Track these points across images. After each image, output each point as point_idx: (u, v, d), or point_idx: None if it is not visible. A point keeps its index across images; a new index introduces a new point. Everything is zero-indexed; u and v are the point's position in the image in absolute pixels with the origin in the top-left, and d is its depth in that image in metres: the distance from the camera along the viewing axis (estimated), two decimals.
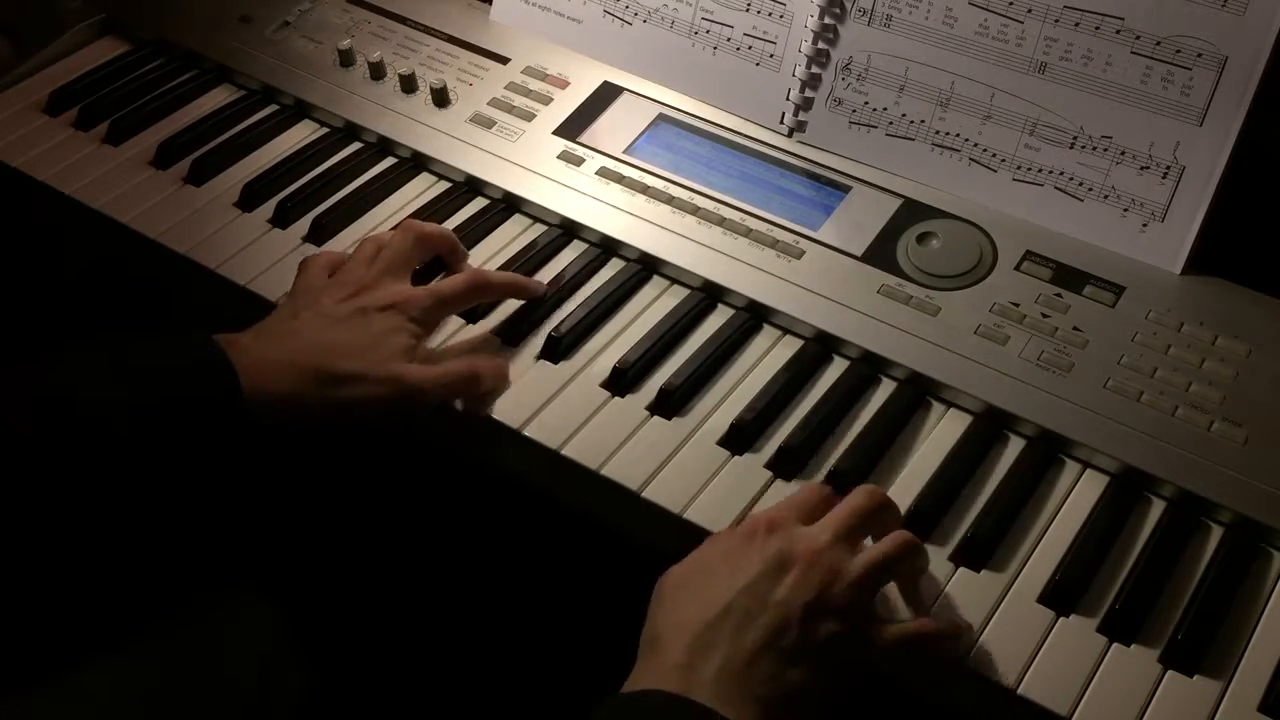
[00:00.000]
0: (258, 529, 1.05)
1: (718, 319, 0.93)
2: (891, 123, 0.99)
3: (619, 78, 1.09)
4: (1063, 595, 0.75)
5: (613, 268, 0.97)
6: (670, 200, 0.99)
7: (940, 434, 0.85)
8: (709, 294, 0.94)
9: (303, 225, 1.00)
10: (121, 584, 0.90)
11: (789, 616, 0.68)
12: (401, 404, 0.85)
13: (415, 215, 1.01)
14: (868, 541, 0.75)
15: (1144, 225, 0.92)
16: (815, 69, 1.02)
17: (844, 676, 0.69)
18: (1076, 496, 0.81)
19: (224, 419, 0.79)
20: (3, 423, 0.75)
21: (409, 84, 1.10)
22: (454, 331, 0.92)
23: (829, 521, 0.73)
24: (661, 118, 1.06)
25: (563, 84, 1.09)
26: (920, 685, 0.75)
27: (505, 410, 0.86)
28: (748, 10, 1.04)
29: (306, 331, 0.85)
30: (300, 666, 0.88)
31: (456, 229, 0.99)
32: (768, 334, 0.92)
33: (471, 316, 0.93)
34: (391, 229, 0.96)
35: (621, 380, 0.88)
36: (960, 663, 0.72)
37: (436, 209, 1.02)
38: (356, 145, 1.09)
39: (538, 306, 0.93)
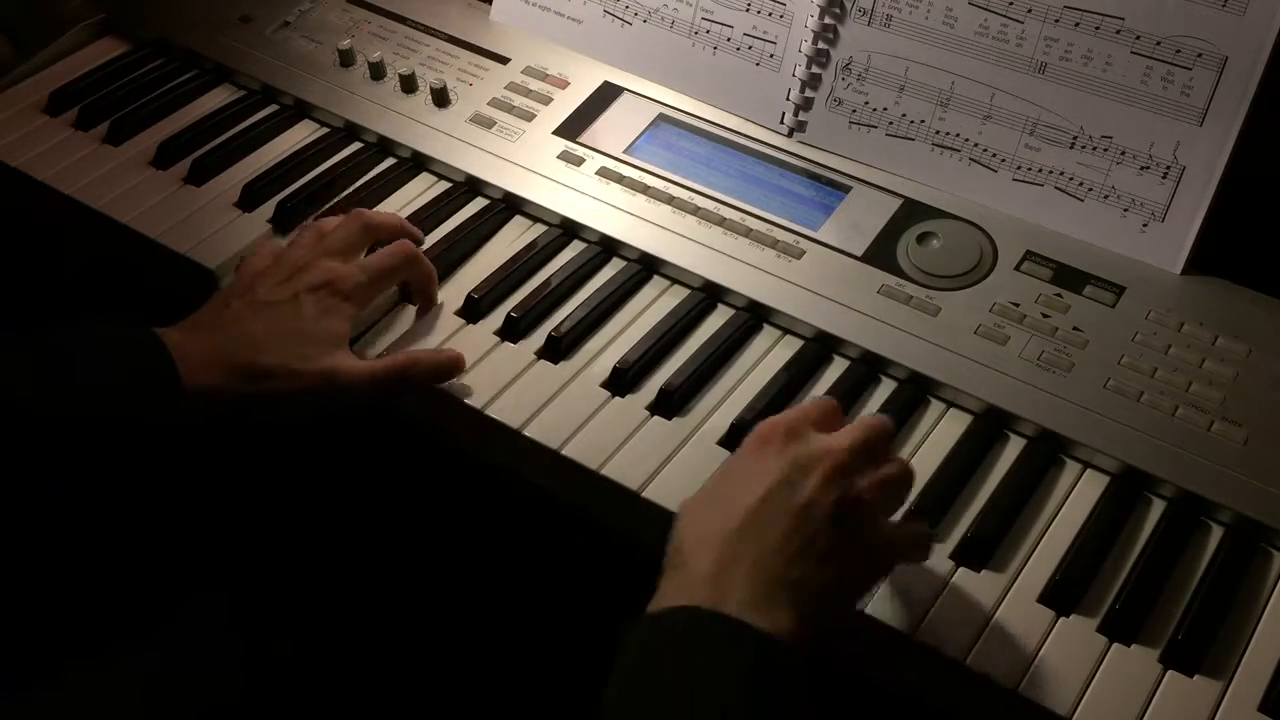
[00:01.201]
0: (240, 533, 1.05)
1: (718, 319, 0.93)
2: (891, 123, 0.99)
3: (619, 78, 1.09)
4: (1063, 595, 0.75)
5: (613, 268, 0.97)
6: (670, 200, 0.99)
7: (940, 434, 0.85)
8: (709, 294, 0.94)
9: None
10: (101, 590, 0.90)
11: (814, 518, 0.67)
12: (330, 398, 0.84)
13: (415, 215, 1.01)
14: None
15: (1144, 225, 0.92)
16: (815, 69, 1.02)
17: (870, 579, 0.71)
18: (1076, 496, 0.81)
19: (163, 415, 0.79)
20: None
21: (409, 84, 1.10)
22: (454, 331, 0.92)
23: (845, 432, 0.72)
24: (661, 118, 1.06)
25: (563, 84, 1.09)
26: (920, 685, 0.75)
27: (505, 410, 0.86)
28: (748, 10, 1.04)
29: (235, 323, 0.84)
30: (284, 670, 0.88)
31: (456, 229, 0.99)
32: (768, 334, 0.92)
33: (473, 317, 0.93)
34: (338, 216, 0.95)
35: (621, 380, 0.88)
36: (961, 663, 0.72)
37: (436, 209, 1.01)
38: (356, 145, 1.09)
39: (538, 306, 0.93)
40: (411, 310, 0.93)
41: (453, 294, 0.95)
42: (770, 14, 1.03)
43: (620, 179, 1.01)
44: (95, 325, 0.81)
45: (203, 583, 0.91)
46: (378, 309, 0.93)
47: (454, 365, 0.88)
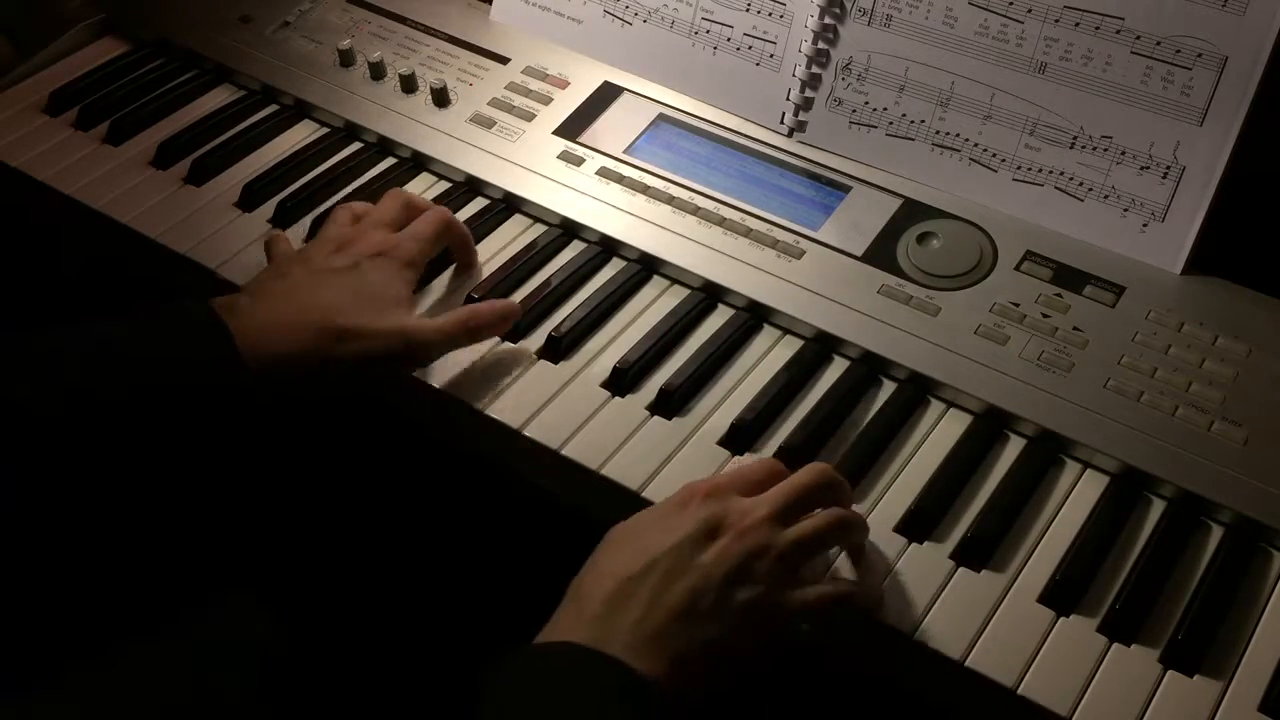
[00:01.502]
0: (254, 529, 1.05)
1: (718, 319, 0.93)
2: (891, 123, 0.99)
3: (619, 78, 1.09)
4: (1063, 595, 0.75)
5: (613, 268, 0.97)
6: (670, 200, 0.99)
7: (940, 434, 0.85)
8: (709, 294, 0.94)
9: (303, 225, 1.00)
10: (118, 586, 0.90)
11: (709, 581, 0.69)
12: (406, 356, 0.85)
13: None
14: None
15: (1144, 225, 0.92)
16: (815, 69, 1.02)
17: (757, 643, 0.70)
18: (1076, 496, 0.81)
19: (224, 386, 0.78)
20: None
21: (409, 84, 1.10)
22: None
23: (768, 496, 0.74)
24: (661, 118, 1.06)
25: (563, 84, 1.09)
26: (920, 685, 0.75)
27: (505, 410, 0.86)
28: (748, 10, 1.04)
29: (301, 289, 0.84)
30: (298, 667, 0.88)
31: None
32: (768, 334, 0.92)
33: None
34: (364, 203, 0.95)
35: (621, 380, 0.88)
36: (961, 663, 0.72)
37: None
38: (356, 145, 1.09)
39: (538, 306, 0.93)
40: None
41: (453, 294, 0.95)
42: (770, 14, 1.03)
43: (620, 179, 1.01)
44: (146, 306, 0.80)
45: (213, 582, 0.91)
46: None
47: (511, 312, 0.89)
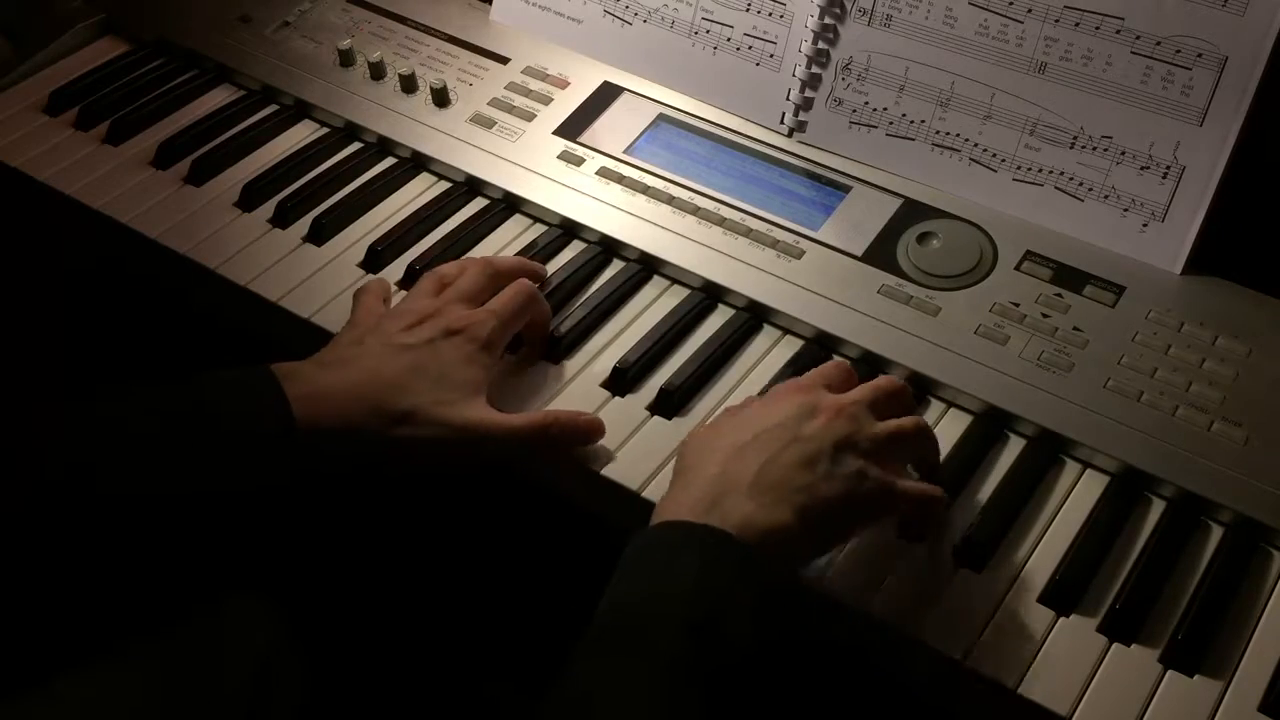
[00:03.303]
0: (257, 529, 1.05)
1: (718, 319, 0.93)
2: (891, 123, 0.99)
3: (619, 78, 1.09)
4: (1063, 595, 0.75)
5: (613, 268, 0.97)
6: (670, 200, 0.99)
7: (940, 434, 0.85)
8: (709, 294, 0.94)
9: (303, 225, 1.00)
10: (119, 585, 0.90)
11: (820, 446, 0.72)
12: (471, 451, 0.80)
13: (415, 215, 1.00)
14: None
15: (1144, 225, 0.92)
16: (815, 69, 1.02)
17: (865, 513, 0.74)
18: (1076, 496, 0.81)
19: (278, 454, 0.75)
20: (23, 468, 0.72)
21: (409, 84, 1.10)
22: None
23: (856, 391, 0.78)
24: (661, 118, 1.06)
25: (563, 84, 1.09)
26: (921, 685, 0.75)
27: (505, 410, 0.86)
28: (748, 10, 1.04)
29: (369, 360, 0.80)
30: (300, 666, 0.88)
31: (456, 229, 1.00)
32: (768, 334, 0.92)
33: None
34: (453, 262, 0.92)
35: (621, 380, 0.88)
36: (961, 663, 0.72)
37: (436, 209, 1.01)
38: (356, 145, 1.09)
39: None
40: None
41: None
42: (770, 14, 1.03)
43: (620, 179, 1.01)
44: (221, 374, 0.77)
45: (214, 583, 0.91)
46: None
47: (593, 430, 0.83)
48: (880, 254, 0.94)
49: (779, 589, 0.69)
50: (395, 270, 0.96)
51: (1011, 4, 0.93)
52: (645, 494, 0.81)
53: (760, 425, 0.73)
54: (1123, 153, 0.92)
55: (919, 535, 0.77)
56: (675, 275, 0.96)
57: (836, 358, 0.83)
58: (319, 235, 0.99)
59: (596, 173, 1.01)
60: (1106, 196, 0.93)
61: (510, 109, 1.07)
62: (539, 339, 0.90)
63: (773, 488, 0.69)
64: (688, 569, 0.66)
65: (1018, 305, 0.90)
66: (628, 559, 0.68)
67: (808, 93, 1.02)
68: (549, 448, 0.82)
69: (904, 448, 0.77)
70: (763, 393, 0.83)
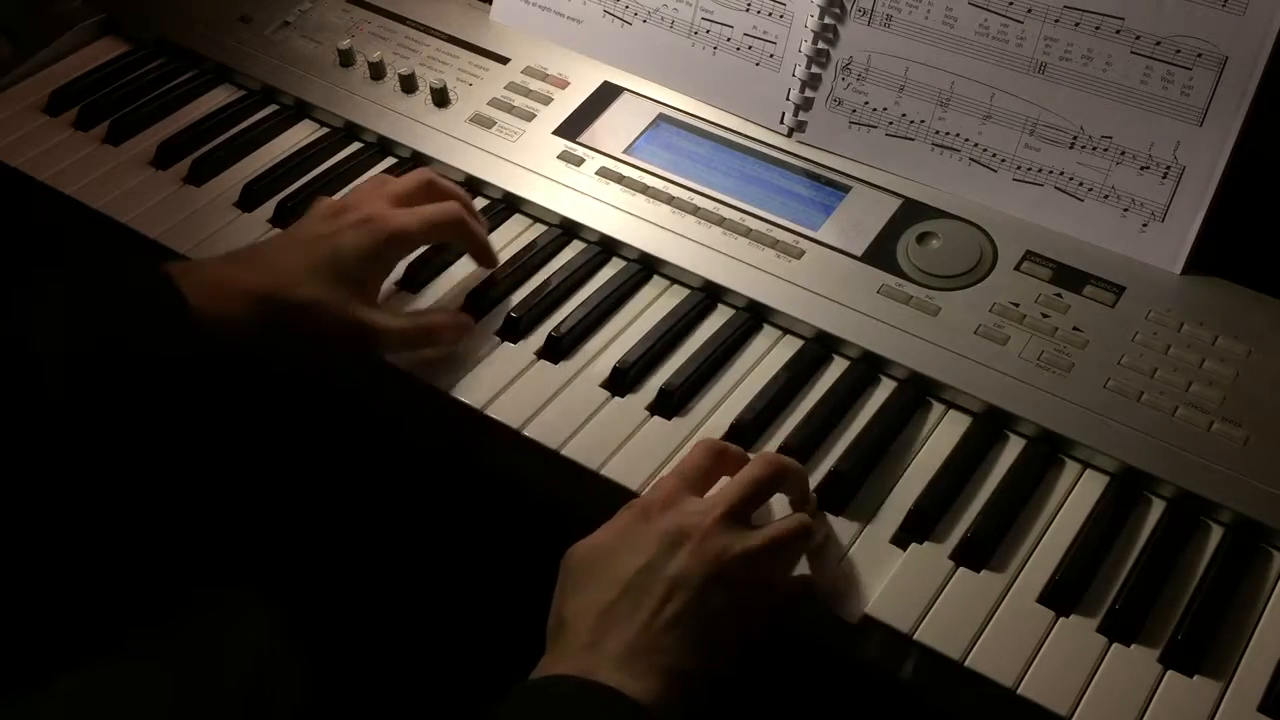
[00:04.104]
0: (256, 528, 1.05)
1: (718, 319, 0.93)
2: (891, 123, 0.99)
3: (619, 78, 1.09)
4: (1063, 595, 0.75)
5: (613, 268, 0.97)
6: (670, 200, 0.99)
7: (940, 434, 0.85)
8: (709, 294, 0.94)
9: None
10: (119, 583, 0.90)
11: (686, 590, 0.70)
12: (351, 345, 0.84)
13: None
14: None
15: (1144, 225, 0.92)
16: (815, 69, 1.02)
17: (741, 640, 0.72)
18: (1076, 496, 0.81)
19: (173, 344, 0.79)
20: None
21: (409, 84, 1.10)
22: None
23: (722, 496, 0.75)
24: (661, 118, 1.06)
25: (563, 84, 1.09)
26: (920, 685, 0.75)
27: (505, 410, 0.86)
28: (748, 10, 1.04)
29: (273, 255, 0.84)
30: (300, 665, 0.88)
31: None
32: (768, 334, 0.92)
33: (473, 316, 0.93)
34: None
35: (621, 380, 0.88)
36: (961, 663, 0.72)
37: None
38: (356, 145, 1.09)
39: (538, 306, 0.93)
40: (411, 305, 0.93)
41: (453, 294, 0.95)
42: (770, 14, 1.03)
43: (620, 179, 1.01)
44: (110, 262, 0.81)
45: (212, 580, 0.91)
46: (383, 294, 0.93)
47: (465, 328, 0.89)
48: (880, 254, 0.94)
49: None
50: (396, 270, 0.96)
51: (1011, 4, 0.93)
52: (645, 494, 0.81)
53: (626, 573, 0.70)
54: (1123, 153, 0.92)
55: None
56: (675, 275, 0.96)
57: (709, 438, 0.80)
58: None
59: (596, 173, 1.01)
60: (1106, 196, 0.93)
61: (510, 109, 1.07)
62: (483, 259, 0.94)
63: (643, 654, 0.68)
64: None
65: (1018, 305, 0.90)
66: (512, 709, 0.67)
67: (808, 93, 1.02)
68: (424, 346, 0.87)
69: (778, 555, 0.74)
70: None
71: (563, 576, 0.73)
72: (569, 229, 1.00)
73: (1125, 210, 0.93)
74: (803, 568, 0.77)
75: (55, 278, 0.80)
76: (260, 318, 0.81)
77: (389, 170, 1.06)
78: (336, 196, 0.94)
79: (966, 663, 0.72)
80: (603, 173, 1.01)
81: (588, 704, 0.66)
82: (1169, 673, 0.72)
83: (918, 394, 0.87)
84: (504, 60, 1.12)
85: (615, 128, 1.05)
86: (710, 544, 0.71)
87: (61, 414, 0.76)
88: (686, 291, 0.95)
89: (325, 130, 1.10)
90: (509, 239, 1.00)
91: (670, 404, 0.86)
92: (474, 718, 0.66)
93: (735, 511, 0.74)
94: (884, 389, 0.88)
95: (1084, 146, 0.93)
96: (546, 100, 1.07)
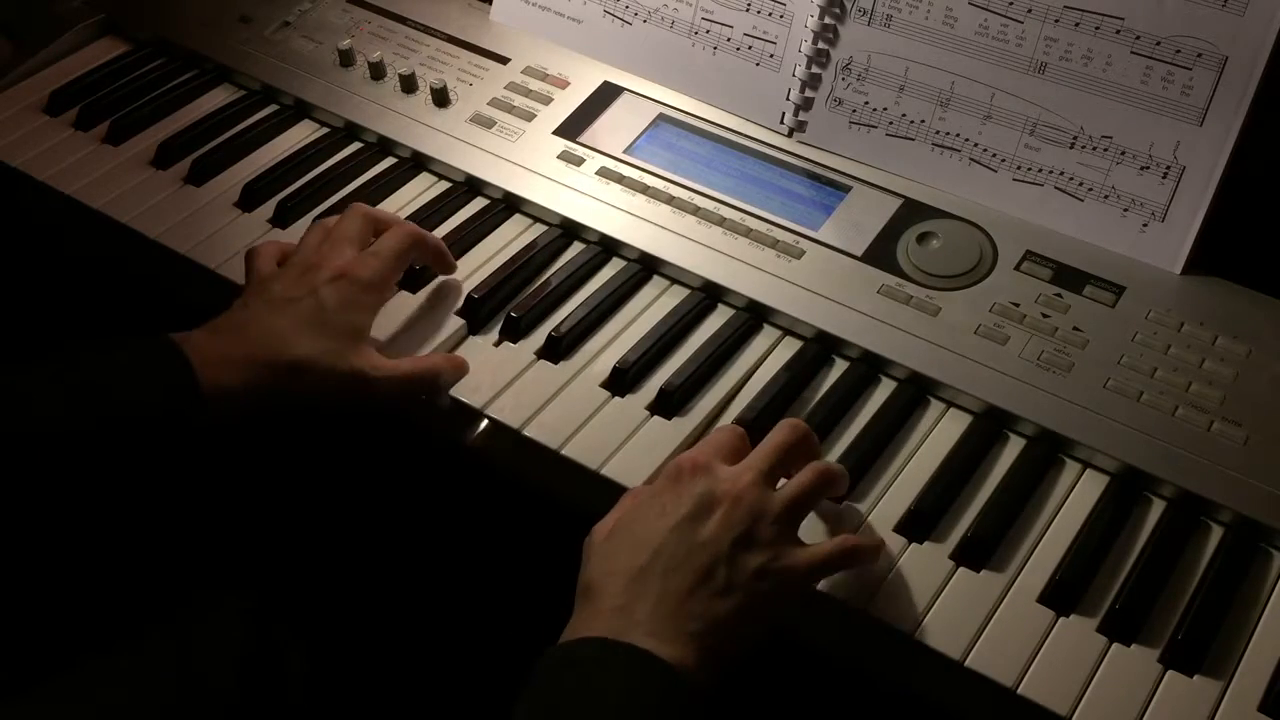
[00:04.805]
0: (253, 527, 1.05)
1: (718, 319, 0.93)
2: (891, 123, 0.99)
3: (619, 78, 1.09)
4: (1063, 595, 0.75)
5: (613, 268, 0.97)
6: (670, 200, 0.99)
7: (940, 434, 0.85)
8: (709, 294, 0.94)
9: (303, 225, 1.00)
10: (106, 585, 0.90)
11: (717, 554, 0.70)
12: (361, 396, 0.84)
13: (415, 215, 1.01)
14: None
15: (1144, 225, 0.92)
16: (815, 69, 1.02)
17: (774, 607, 0.71)
18: (1076, 496, 0.81)
19: (183, 420, 0.79)
20: None
21: (409, 84, 1.10)
22: (455, 331, 0.92)
23: (751, 460, 0.75)
24: (661, 118, 1.06)
25: (563, 84, 1.09)
26: (920, 685, 0.75)
27: (505, 410, 0.86)
28: (748, 10, 1.04)
29: (257, 322, 0.84)
30: (291, 665, 0.88)
31: (456, 229, 1.00)
32: (768, 334, 0.92)
33: (473, 316, 0.93)
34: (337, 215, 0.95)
35: (621, 380, 0.88)
36: (961, 663, 0.72)
37: (436, 209, 1.02)
38: (356, 145, 1.09)
39: (538, 306, 0.93)
40: (413, 307, 0.93)
41: (453, 294, 0.95)
42: (770, 14, 1.03)
43: (620, 179, 1.01)
44: (113, 339, 0.81)
45: (199, 583, 0.91)
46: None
47: (462, 371, 0.89)
48: (880, 254, 0.94)
49: (698, 709, 0.67)
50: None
51: (1011, 4, 0.93)
52: None
53: (657, 536, 0.71)
54: (1123, 153, 0.92)
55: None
56: (675, 275, 0.96)
57: (730, 423, 0.81)
58: None
59: (596, 173, 1.01)
60: (1106, 196, 0.93)
61: (510, 109, 1.07)
62: (442, 267, 0.95)
63: (673, 619, 0.67)
64: (612, 687, 0.65)
65: (1018, 305, 0.90)
66: (540, 676, 0.67)
67: (808, 93, 1.02)
68: (429, 389, 0.87)
69: (809, 507, 0.76)
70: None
71: (586, 550, 0.73)
72: (569, 229, 1.00)
73: (1125, 210, 0.93)
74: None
75: (57, 358, 0.80)
76: (260, 383, 0.81)
77: (389, 170, 1.06)
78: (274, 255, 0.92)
79: (967, 663, 0.72)
80: (603, 173, 1.01)
81: (619, 666, 0.65)
82: (1169, 673, 0.72)
83: (918, 394, 0.87)
84: (504, 60, 1.12)
85: (615, 128, 1.05)
86: (743, 506, 0.72)
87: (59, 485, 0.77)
88: (686, 291, 0.95)
89: (325, 130, 1.10)
90: (509, 239, 1.00)
91: (670, 404, 0.86)
92: (485, 704, 0.66)
93: (765, 473, 0.74)
94: (884, 389, 0.88)
95: (1084, 146, 0.93)
96: (546, 100, 1.07)
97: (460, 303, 0.93)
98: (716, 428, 0.81)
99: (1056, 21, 0.92)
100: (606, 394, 0.87)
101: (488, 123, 1.06)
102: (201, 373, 0.79)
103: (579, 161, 1.02)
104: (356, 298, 0.86)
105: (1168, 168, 0.91)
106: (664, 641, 0.66)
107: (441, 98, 1.08)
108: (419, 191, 1.04)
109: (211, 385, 0.80)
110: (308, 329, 0.83)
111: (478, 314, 0.93)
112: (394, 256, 0.89)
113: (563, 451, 0.84)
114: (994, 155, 0.96)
